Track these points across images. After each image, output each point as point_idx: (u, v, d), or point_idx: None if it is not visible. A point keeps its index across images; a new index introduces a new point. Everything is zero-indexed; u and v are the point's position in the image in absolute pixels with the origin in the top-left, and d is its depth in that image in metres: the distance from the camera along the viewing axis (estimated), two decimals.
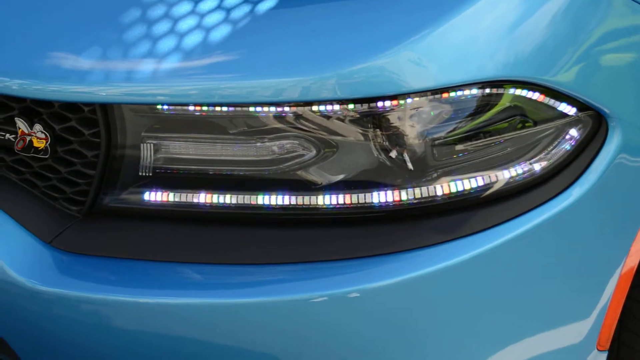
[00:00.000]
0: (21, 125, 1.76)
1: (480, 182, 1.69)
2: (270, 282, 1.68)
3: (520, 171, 1.70)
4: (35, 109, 1.75)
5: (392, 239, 1.68)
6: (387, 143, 1.69)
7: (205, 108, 1.70)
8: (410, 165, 1.68)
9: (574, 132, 1.72)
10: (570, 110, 1.70)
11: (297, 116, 1.68)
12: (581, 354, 1.90)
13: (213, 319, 1.70)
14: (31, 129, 1.76)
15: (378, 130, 1.68)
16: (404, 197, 1.68)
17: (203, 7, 1.69)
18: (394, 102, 1.64)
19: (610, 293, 1.85)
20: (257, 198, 1.72)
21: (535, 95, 1.68)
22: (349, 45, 1.62)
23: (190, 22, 1.67)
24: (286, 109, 1.67)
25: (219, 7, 1.70)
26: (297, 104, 1.65)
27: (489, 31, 1.63)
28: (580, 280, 1.83)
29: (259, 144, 1.71)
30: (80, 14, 1.75)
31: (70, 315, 1.72)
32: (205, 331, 1.72)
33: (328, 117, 1.68)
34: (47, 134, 1.75)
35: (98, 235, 1.76)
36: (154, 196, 1.75)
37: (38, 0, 1.81)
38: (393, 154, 1.68)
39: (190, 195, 1.74)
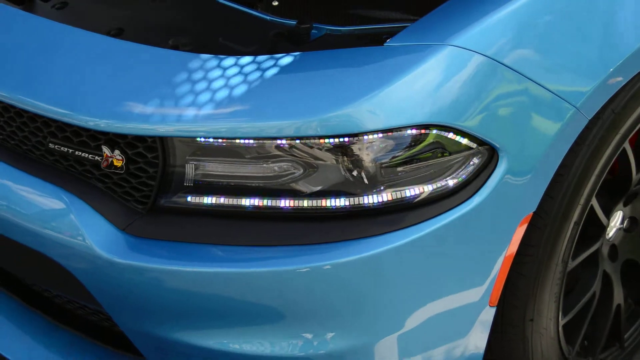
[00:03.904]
0: (106, 150, 1.78)
1: (413, 192, 1.72)
2: (272, 257, 1.70)
3: (439, 185, 1.73)
4: (115, 140, 1.78)
5: (353, 230, 1.71)
6: (350, 165, 1.71)
7: (230, 140, 1.71)
8: (365, 180, 1.72)
9: (475, 160, 1.75)
10: (473, 145, 1.74)
11: (291, 146, 1.70)
12: (478, 308, 1.88)
13: (234, 283, 1.72)
14: (112, 153, 1.78)
15: (345, 156, 1.71)
16: (361, 201, 1.72)
17: (229, 72, 1.73)
18: (356, 138, 1.68)
19: (499, 268, 1.86)
20: (264, 201, 1.73)
21: (450, 135, 1.71)
22: (327, 100, 1.66)
23: (220, 82, 1.71)
24: (284, 141, 1.69)
25: (239, 72, 1.73)
26: (292, 138, 1.68)
27: (420, 91, 1.67)
28: (478, 260, 1.84)
29: (264, 165, 1.73)
30: (147, 75, 1.79)
31: (137, 279, 1.75)
32: (229, 291, 1.74)
33: (311, 147, 1.70)
34: (123, 157, 1.77)
35: (156, 225, 1.78)
36: (194, 199, 1.76)
37: (118, 64, 1.83)
38: (355, 172, 1.72)
39: (219, 198, 1.75)
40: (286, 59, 1.74)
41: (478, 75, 1.70)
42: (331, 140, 1.68)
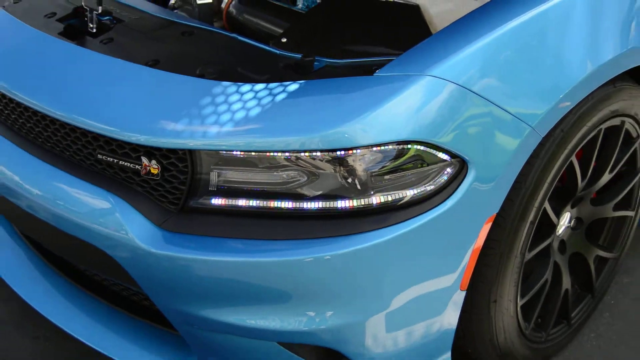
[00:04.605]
0: (144, 160, 1.83)
1: (398, 196, 1.76)
2: (282, 249, 1.74)
3: (419, 190, 1.77)
4: (152, 152, 1.83)
5: (349, 227, 1.75)
6: (346, 174, 1.75)
7: (246, 153, 1.75)
8: (358, 186, 1.76)
9: (449, 169, 1.79)
10: (447, 157, 1.78)
11: (297, 158, 1.74)
12: (451, 292, 1.92)
13: (250, 270, 1.76)
14: (150, 163, 1.82)
15: (341, 166, 1.74)
16: (355, 204, 1.75)
17: (246, 96, 1.78)
18: (350, 151, 1.72)
19: (468, 258, 1.89)
20: (274, 203, 1.77)
21: (428, 149, 1.75)
22: (327, 120, 1.71)
23: (239, 105, 1.77)
24: (291, 154, 1.73)
25: (254, 97, 1.78)
26: (297, 151, 1.72)
27: (403, 113, 1.72)
28: (452, 251, 1.87)
29: (275, 173, 1.77)
30: (179, 98, 1.84)
31: (170, 266, 1.80)
32: (246, 277, 1.77)
33: (314, 159, 1.74)
34: (159, 166, 1.82)
35: (186, 222, 1.81)
36: (217, 201, 1.80)
37: (155, 89, 1.88)
38: (349, 179, 1.75)
39: (237, 200, 1.79)
40: (293, 86, 1.79)
41: (451, 100, 1.76)
42: (330, 153, 1.73)
